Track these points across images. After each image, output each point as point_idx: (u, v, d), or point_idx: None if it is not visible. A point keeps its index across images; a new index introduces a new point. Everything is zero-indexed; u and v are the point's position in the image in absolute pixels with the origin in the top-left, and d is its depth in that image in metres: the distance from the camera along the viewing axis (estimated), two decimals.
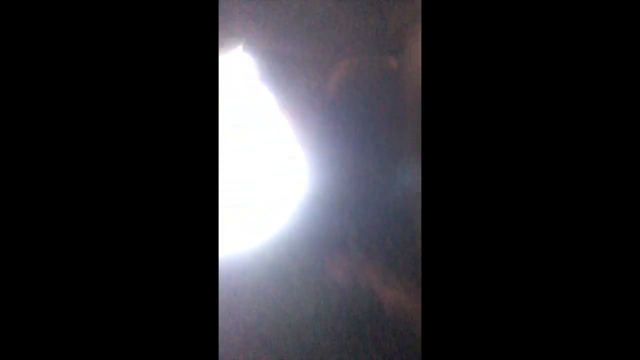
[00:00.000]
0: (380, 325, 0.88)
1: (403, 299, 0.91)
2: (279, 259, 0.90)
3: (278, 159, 1.06)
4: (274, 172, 1.02)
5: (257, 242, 0.90)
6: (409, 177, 0.89)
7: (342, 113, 1.13)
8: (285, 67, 0.77)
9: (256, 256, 0.90)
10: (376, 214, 1.04)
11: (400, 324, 0.90)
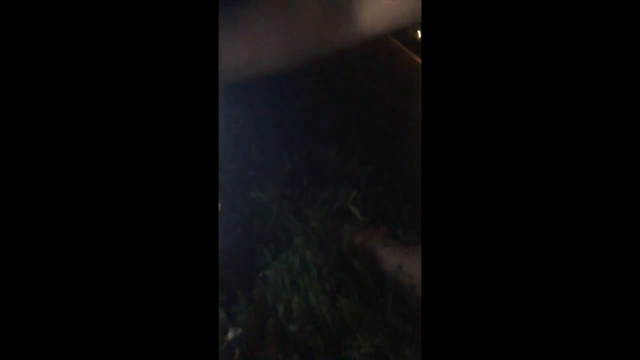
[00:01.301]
0: (381, 286, 0.89)
1: (403, 260, 0.92)
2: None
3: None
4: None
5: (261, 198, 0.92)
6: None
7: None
8: None
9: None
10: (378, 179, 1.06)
11: (400, 284, 0.91)
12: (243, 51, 0.68)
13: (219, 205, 0.78)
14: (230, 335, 0.71)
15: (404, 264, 0.91)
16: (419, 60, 1.17)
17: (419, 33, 1.23)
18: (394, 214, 1.02)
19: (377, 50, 1.20)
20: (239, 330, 0.70)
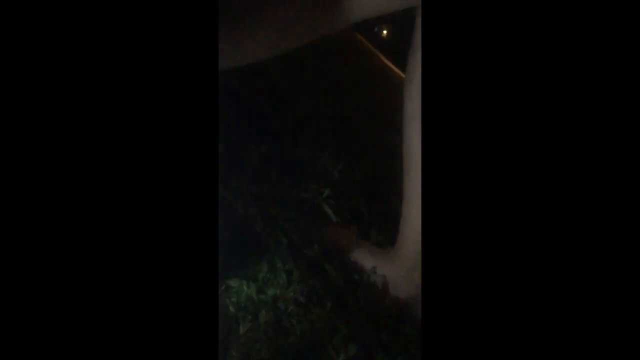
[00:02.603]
0: (354, 291, 0.86)
1: (377, 263, 0.89)
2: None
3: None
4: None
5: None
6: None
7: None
8: None
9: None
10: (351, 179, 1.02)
11: (373, 289, 0.88)
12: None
13: None
14: None
15: (378, 266, 0.87)
16: (383, 57, 1.19)
17: (385, 31, 1.27)
18: (366, 213, 0.98)
19: (344, 45, 1.20)
20: None
